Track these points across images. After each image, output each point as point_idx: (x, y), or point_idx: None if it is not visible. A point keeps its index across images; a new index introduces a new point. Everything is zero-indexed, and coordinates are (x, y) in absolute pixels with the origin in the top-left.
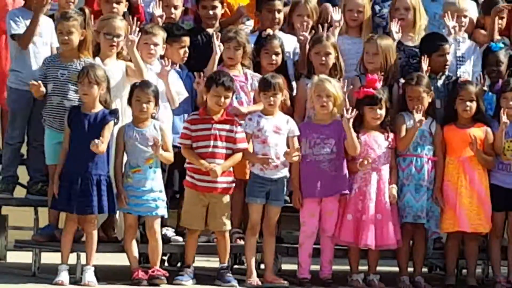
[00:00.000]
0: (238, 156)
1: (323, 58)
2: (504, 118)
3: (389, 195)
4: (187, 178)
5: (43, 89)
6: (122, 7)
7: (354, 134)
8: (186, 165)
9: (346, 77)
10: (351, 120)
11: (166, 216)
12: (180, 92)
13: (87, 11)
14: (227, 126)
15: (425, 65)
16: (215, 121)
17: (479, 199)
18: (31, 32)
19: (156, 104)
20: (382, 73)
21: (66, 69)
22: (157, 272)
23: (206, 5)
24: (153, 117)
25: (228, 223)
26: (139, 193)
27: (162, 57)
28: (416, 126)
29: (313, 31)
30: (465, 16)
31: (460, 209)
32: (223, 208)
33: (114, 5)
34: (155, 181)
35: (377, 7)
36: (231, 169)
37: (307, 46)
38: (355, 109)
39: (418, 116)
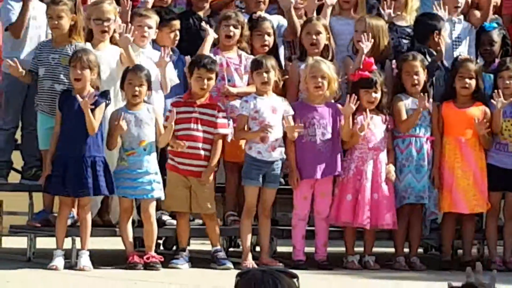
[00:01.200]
0: (219, 146)
1: (314, 37)
2: (499, 100)
3: (387, 173)
4: (169, 161)
5: (21, 70)
6: None
7: (350, 123)
8: (169, 148)
9: (339, 57)
10: (353, 108)
11: (162, 198)
12: (172, 78)
13: None
14: (208, 111)
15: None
16: (198, 105)
17: (475, 179)
18: (22, 22)
19: (149, 88)
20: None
21: (57, 53)
22: (151, 259)
23: None
24: (145, 101)
25: (213, 206)
26: (134, 175)
27: (154, 41)
28: (419, 110)
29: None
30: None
31: (457, 190)
32: (206, 190)
33: None
34: (150, 163)
35: None
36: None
37: (292, 11)
38: (356, 97)
39: (423, 99)
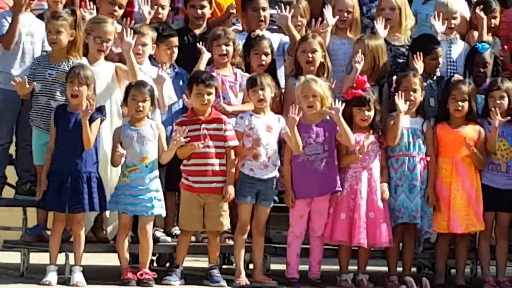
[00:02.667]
0: (233, 158)
1: (310, 55)
2: (497, 118)
3: (381, 192)
4: (183, 180)
5: (28, 86)
6: (121, 12)
7: (345, 125)
8: (182, 167)
9: (334, 77)
10: (341, 110)
11: (163, 215)
12: (170, 96)
13: (78, 12)
14: (215, 125)
15: (418, 63)
16: (203, 120)
17: (470, 200)
18: (13, 33)
19: (152, 103)
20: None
21: (54, 69)
22: (145, 276)
23: (194, 4)
24: (148, 117)
25: (226, 223)
26: (135, 192)
27: (151, 56)
28: (399, 114)
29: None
30: (454, 18)
31: (453, 210)
32: (219, 207)
33: (116, 8)
34: (151, 180)
35: (365, 8)
36: (225, 168)
37: (291, 26)
38: (342, 102)
39: (402, 103)
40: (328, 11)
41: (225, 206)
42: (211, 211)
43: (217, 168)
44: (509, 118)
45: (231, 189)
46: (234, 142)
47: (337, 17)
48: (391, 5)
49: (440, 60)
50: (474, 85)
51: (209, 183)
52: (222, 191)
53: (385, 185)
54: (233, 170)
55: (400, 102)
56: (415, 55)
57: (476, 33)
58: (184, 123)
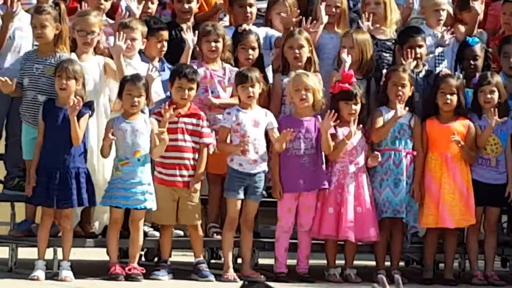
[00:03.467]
0: (205, 155)
1: (297, 51)
2: (494, 118)
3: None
4: (156, 173)
5: (10, 83)
6: (108, 5)
7: (329, 138)
8: (155, 160)
9: (323, 71)
10: (331, 124)
11: (154, 209)
12: (157, 92)
13: (62, 5)
14: (193, 120)
15: (408, 60)
16: (181, 114)
17: (461, 194)
18: (2, 39)
19: (147, 97)
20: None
21: (41, 63)
22: (133, 271)
23: None
24: (142, 112)
25: (199, 216)
26: (127, 185)
27: (142, 53)
28: (396, 117)
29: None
30: (443, 10)
31: (443, 205)
32: (193, 201)
33: (102, 1)
34: (144, 174)
35: (351, 2)
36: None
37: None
38: (335, 113)
39: (400, 107)
40: (321, 9)
41: (198, 199)
42: (185, 205)
43: (192, 162)
44: (505, 118)
45: (197, 186)
46: (209, 140)
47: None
48: (376, 0)
49: (422, 50)
50: (464, 79)
51: (183, 177)
52: None
53: (378, 153)
54: (203, 167)
55: (399, 107)
56: (404, 52)
57: (462, 27)
58: (161, 115)
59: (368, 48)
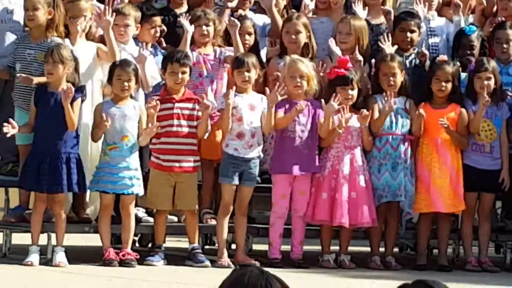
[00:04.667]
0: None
1: (293, 36)
2: (485, 98)
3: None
4: (152, 159)
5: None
6: None
7: (330, 123)
8: (151, 146)
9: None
10: (336, 108)
11: (141, 194)
12: (154, 76)
13: None
14: (189, 105)
15: (385, 43)
16: (176, 100)
17: (451, 179)
18: None
19: (137, 82)
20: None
21: (33, 48)
22: (127, 256)
23: None
24: (131, 97)
25: (196, 201)
26: (115, 170)
27: (136, 38)
28: (386, 111)
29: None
30: None
31: (434, 189)
32: (190, 187)
33: None
34: (131, 159)
35: None
36: (196, 148)
37: (274, 9)
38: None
39: (389, 101)
40: None
41: (195, 185)
42: (181, 190)
43: (188, 147)
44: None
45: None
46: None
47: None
48: None
49: (413, 36)
50: (459, 66)
51: (180, 162)
52: (193, 170)
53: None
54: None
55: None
56: (381, 36)
57: (450, 11)
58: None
59: (364, 34)
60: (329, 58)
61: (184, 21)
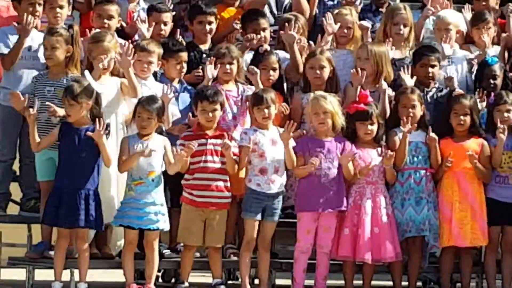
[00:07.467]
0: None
1: (318, 72)
2: (502, 132)
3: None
4: (185, 194)
5: (23, 99)
6: (114, 23)
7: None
8: (183, 182)
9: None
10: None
11: (166, 229)
12: (174, 113)
13: (75, 28)
14: (221, 141)
15: (405, 76)
16: (210, 136)
17: (473, 213)
18: (15, 54)
19: (159, 120)
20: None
21: (53, 85)
22: None
23: (202, 21)
24: (160, 132)
25: (223, 238)
26: (141, 205)
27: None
28: (405, 136)
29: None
30: (451, 29)
31: (455, 223)
32: (221, 223)
33: (105, 20)
34: (157, 194)
35: (369, 23)
36: (228, 184)
37: (295, 46)
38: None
39: (406, 127)
40: (325, 21)
41: (225, 221)
42: (212, 226)
43: (221, 183)
44: None
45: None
46: (237, 158)
47: (339, 24)
48: (405, 22)
49: (435, 70)
50: (476, 99)
51: (212, 198)
52: (226, 207)
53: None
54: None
55: (405, 127)
56: (402, 68)
57: (472, 47)
58: (189, 138)
59: (385, 60)
60: (350, 85)
61: (208, 66)
